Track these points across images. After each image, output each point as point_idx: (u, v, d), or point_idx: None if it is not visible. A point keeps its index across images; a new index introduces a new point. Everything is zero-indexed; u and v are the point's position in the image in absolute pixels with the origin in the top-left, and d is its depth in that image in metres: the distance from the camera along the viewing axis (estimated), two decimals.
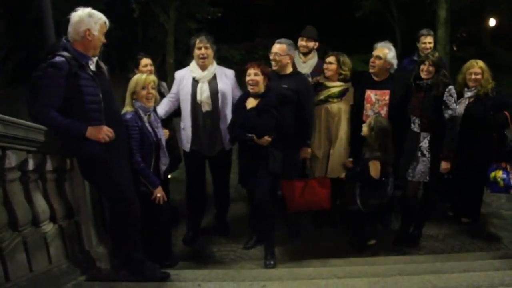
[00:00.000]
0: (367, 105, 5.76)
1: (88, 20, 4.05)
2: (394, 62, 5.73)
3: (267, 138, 5.10)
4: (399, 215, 6.02)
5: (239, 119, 5.31)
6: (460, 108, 5.63)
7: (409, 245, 5.75)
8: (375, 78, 5.79)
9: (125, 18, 17.13)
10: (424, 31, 7.03)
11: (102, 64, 4.32)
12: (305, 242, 5.84)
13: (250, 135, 5.12)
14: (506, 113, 5.71)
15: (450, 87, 5.37)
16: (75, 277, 4.24)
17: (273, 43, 5.74)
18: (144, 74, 4.86)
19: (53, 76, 3.90)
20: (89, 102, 4.02)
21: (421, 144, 5.43)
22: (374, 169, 5.22)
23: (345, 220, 5.86)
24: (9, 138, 3.62)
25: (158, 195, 4.69)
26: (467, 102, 5.84)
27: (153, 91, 4.74)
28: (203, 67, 5.53)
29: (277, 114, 5.22)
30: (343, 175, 5.67)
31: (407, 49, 8.46)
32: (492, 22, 26.23)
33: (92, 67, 4.14)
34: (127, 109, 4.67)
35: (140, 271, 4.38)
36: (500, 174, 5.58)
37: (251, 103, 5.29)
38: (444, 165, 5.37)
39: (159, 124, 4.94)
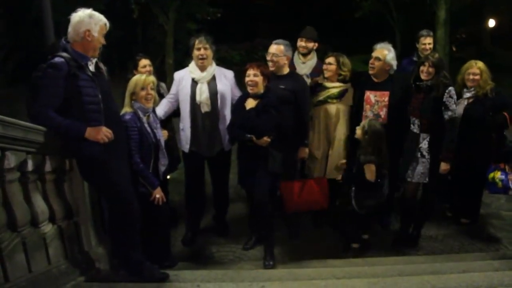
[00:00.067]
0: (367, 106, 5.75)
1: (88, 21, 4.05)
2: (394, 63, 5.72)
3: (266, 139, 5.10)
4: (399, 215, 6.02)
5: (238, 119, 5.31)
6: (459, 108, 5.62)
7: (408, 246, 5.75)
8: (375, 79, 5.78)
9: (125, 18, 17.16)
10: (423, 32, 7.02)
11: (101, 65, 4.31)
12: (305, 242, 5.83)
13: (249, 135, 5.12)
14: (505, 113, 5.71)
15: (450, 88, 5.37)
16: (74, 277, 4.24)
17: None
18: (143, 75, 4.86)
19: (52, 76, 3.90)
20: (88, 103, 4.02)
21: (420, 145, 5.43)
22: (369, 172, 5.21)
23: (337, 220, 5.84)
24: (8, 139, 3.62)
25: (157, 195, 4.69)
26: (466, 103, 5.83)
27: (152, 92, 4.74)
28: (202, 68, 5.54)
29: (276, 114, 5.22)
30: (339, 177, 5.67)
31: (406, 50, 8.45)
32: (491, 22, 26.24)
33: (92, 68, 4.13)
34: (126, 110, 4.67)
35: (139, 272, 4.38)
36: (498, 175, 5.58)
37: (250, 103, 5.29)
38: (444, 166, 5.37)
39: (158, 125, 4.94)
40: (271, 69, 5.57)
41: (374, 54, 5.73)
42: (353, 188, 5.40)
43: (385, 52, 5.66)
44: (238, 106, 5.43)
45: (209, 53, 5.52)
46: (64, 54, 3.97)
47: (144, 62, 5.80)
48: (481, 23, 26.31)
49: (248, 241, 5.80)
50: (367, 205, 5.35)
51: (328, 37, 12.74)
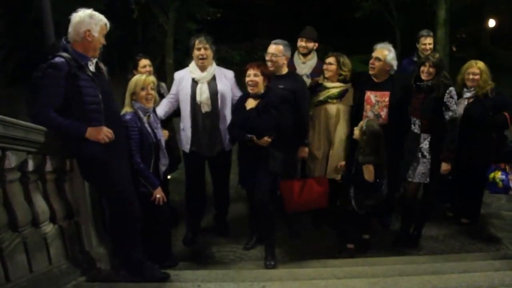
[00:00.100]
0: (367, 107, 5.74)
1: (89, 21, 4.05)
2: (394, 63, 5.71)
3: (266, 139, 5.10)
4: (399, 215, 6.02)
5: (238, 119, 5.31)
6: (459, 108, 5.61)
7: (409, 246, 5.75)
8: (375, 80, 5.78)
9: (125, 18, 17.15)
10: (424, 32, 7.01)
11: (101, 65, 4.31)
12: (305, 242, 5.84)
13: (249, 135, 5.12)
14: (505, 113, 5.71)
15: (451, 88, 5.37)
16: (75, 277, 4.24)
17: None
18: (144, 75, 4.86)
19: (52, 76, 3.90)
20: (88, 103, 4.02)
21: (421, 145, 5.43)
22: (368, 172, 5.20)
23: (337, 220, 5.83)
24: (9, 139, 3.62)
25: (158, 195, 4.69)
26: (466, 103, 5.84)
27: (153, 92, 4.74)
28: (202, 68, 5.54)
29: (276, 114, 5.22)
30: (338, 177, 5.66)
31: (406, 50, 8.45)
32: (491, 22, 26.24)
33: (92, 68, 4.13)
34: (127, 110, 4.68)
35: (140, 272, 4.37)
36: (499, 175, 5.58)
37: (250, 103, 5.29)
38: (445, 167, 5.37)
39: (159, 125, 4.94)
40: (270, 69, 5.57)
41: (374, 54, 5.72)
42: (353, 188, 5.40)
43: (385, 52, 5.66)
44: (238, 106, 5.43)
45: (209, 53, 5.52)
46: (65, 54, 3.97)
47: (144, 62, 5.80)
48: (481, 23, 26.32)
49: (249, 241, 5.81)
50: (367, 205, 5.34)
51: (328, 37, 12.75)
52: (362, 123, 5.31)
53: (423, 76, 5.36)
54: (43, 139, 3.95)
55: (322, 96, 5.80)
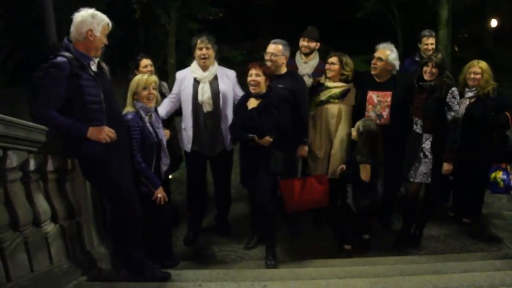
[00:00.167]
0: (369, 106, 5.75)
1: (91, 21, 4.05)
2: (396, 63, 5.72)
3: (268, 139, 5.10)
4: (400, 215, 6.02)
5: (240, 119, 5.32)
6: (460, 108, 5.61)
7: (410, 246, 5.75)
8: (377, 80, 5.78)
9: (127, 18, 17.14)
10: (426, 32, 7.01)
11: (103, 65, 4.32)
12: (306, 242, 5.84)
13: (251, 135, 5.12)
14: (507, 113, 5.70)
15: (453, 88, 5.37)
16: (76, 277, 4.25)
17: None
18: (146, 75, 4.86)
19: (54, 76, 3.90)
20: (90, 103, 4.02)
21: (423, 145, 5.43)
22: (365, 172, 5.20)
23: (337, 220, 5.82)
24: (10, 138, 3.62)
25: (159, 195, 4.70)
26: (467, 103, 5.84)
27: (155, 92, 4.75)
28: (204, 68, 5.54)
29: (278, 114, 5.22)
30: (337, 174, 5.66)
31: (408, 50, 8.45)
32: (493, 22, 26.20)
33: (94, 67, 4.14)
34: (128, 109, 4.68)
35: (141, 271, 4.38)
36: (500, 175, 5.57)
37: (252, 103, 5.29)
38: (446, 167, 5.36)
39: (160, 125, 4.95)
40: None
41: (376, 54, 5.73)
42: (350, 187, 5.40)
43: (387, 52, 5.66)
44: (240, 105, 5.43)
45: (211, 52, 5.52)
46: (67, 54, 3.97)
47: (146, 62, 5.80)
48: (483, 23, 26.29)
49: (250, 241, 5.81)
50: (363, 204, 5.35)
51: (329, 37, 12.72)
52: (359, 123, 5.31)
53: (426, 76, 5.36)
54: (44, 138, 3.96)
55: (324, 96, 5.80)
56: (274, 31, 8.87)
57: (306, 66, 6.18)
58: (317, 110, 5.85)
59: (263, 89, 5.25)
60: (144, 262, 4.42)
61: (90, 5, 4.20)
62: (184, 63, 10.53)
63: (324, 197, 5.48)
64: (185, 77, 5.65)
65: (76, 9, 4.10)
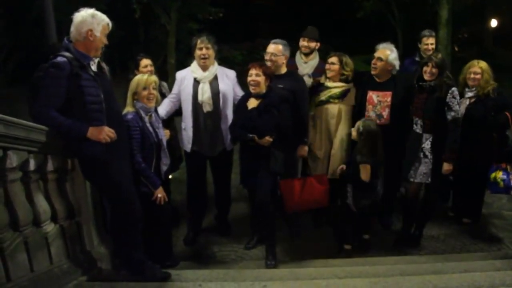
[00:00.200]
0: (369, 106, 5.75)
1: (91, 21, 4.05)
2: (396, 63, 5.72)
3: (268, 139, 5.10)
4: (400, 215, 6.02)
5: (240, 119, 5.32)
6: (460, 108, 5.61)
7: (410, 246, 5.75)
8: (377, 80, 5.78)
9: (127, 18, 17.15)
10: (426, 32, 7.01)
11: (103, 65, 4.32)
12: (306, 242, 5.84)
13: (251, 135, 5.12)
14: (507, 113, 5.70)
15: (453, 88, 5.36)
16: (76, 277, 4.25)
17: None
18: (146, 75, 4.86)
19: (54, 76, 3.90)
20: (90, 103, 4.02)
21: (423, 145, 5.43)
22: (365, 172, 5.20)
23: (337, 220, 5.82)
24: (10, 138, 3.62)
25: (159, 195, 4.70)
26: (467, 103, 5.84)
27: (155, 92, 4.75)
28: (204, 68, 5.54)
29: (278, 114, 5.22)
30: (337, 174, 5.66)
31: (408, 50, 8.45)
32: (493, 22, 26.20)
33: (94, 67, 4.14)
34: (128, 109, 4.68)
35: (141, 271, 4.38)
36: (500, 174, 5.57)
37: (252, 103, 5.29)
38: (446, 167, 5.36)
39: (160, 125, 4.95)
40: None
41: (376, 54, 5.74)
42: (350, 187, 5.40)
43: (387, 52, 5.66)
44: (240, 105, 5.44)
45: (211, 52, 5.52)
46: (67, 54, 3.97)
47: (145, 62, 5.80)
48: (483, 23, 26.29)
49: (250, 241, 5.81)
50: (363, 204, 5.35)
51: (329, 37, 12.72)
52: (359, 123, 5.31)
53: (426, 76, 5.36)
54: (44, 138, 3.96)
55: (324, 96, 5.80)
56: (274, 31, 8.87)
57: (306, 66, 6.18)
58: (317, 110, 5.85)
59: (263, 89, 5.25)
60: (144, 262, 4.42)
61: (90, 5, 4.20)
62: (184, 63, 10.54)
63: (324, 197, 5.48)
64: (185, 77, 5.65)
65: (76, 9, 4.10)
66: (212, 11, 18.66)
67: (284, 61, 5.69)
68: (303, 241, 5.85)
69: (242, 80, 5.61)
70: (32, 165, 3.98)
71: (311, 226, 6.22)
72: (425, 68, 5.36)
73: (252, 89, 5.25)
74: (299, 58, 6.24)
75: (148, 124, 4.71)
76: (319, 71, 6.06)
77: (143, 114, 4.68)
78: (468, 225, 6.22)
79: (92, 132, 4.00)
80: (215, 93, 5.52)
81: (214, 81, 5.56)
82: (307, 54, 6.19)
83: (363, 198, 5.34)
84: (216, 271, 4.81)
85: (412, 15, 21.40)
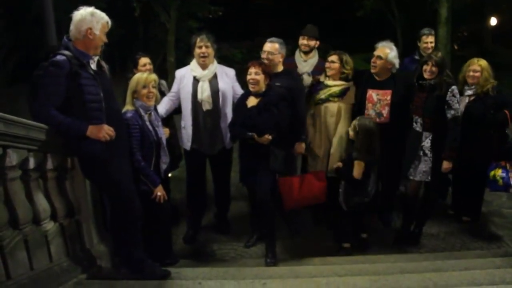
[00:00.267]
0: (369, 105, 5.74)
1: (90, 19, 4.05)
2: (396, 61, 5.72)
3: (267, 137, 5.10)
4: (400, 213, 6.03)
5: (239, 117, 5.32)
6: (460, 106, 5.61)
7: (410, 244, 5.75)
8: (377, 78, 5.77)
9: (126, 16, 17.15)
10: (425, 31, 7.01)
11: (103, 63, 4.31)
12: (306, 240, 5.84)
13: (250, 133, 5.12)
14: (506, 111, 5.71)
15: (453, 87, 5.36)
16: (76, 275, 4.24)
17: None
18: (145, 73, 4.86)
19: (54, 75, 3.90)
20: (90, 101, 4.02)
21: (423, 143, 5.43)
22: (358, 169, 5.20)
23: (336, 219, 5.81)
24: (10, 136, 3.62)
25: (159, 193, 4.70)
26: (467, 101, 5.84)
27: (154, 90, 4.74)
28: (203, 66, 5.54)
29: (277, 113, 5.22)
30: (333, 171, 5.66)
31: (408, 48, 8.45)
32: (493, 21, 26.20)
33: (93, 66, 4.14)
34: (128, 108, 4.68)
35: (141, 270, 4.38)
36: (499, 172, 5.58)
37: (251, 102, 5.29)
38: (446, 165, 5.36)
39: (160, 123, 4.95)
40: None
41: (376, 53, 5.73)
42: (343, 183, 5.40)
43: (387, 51, 5.66)
44: (239, 104, 5.44)
45: (211, 51, 5.51)
46: (66, 52, 3.97)
47: (144, 60, 5.79)
48: (482, 22, 26.29)
49: (250, 239, 5.82)
50: (353, 202, 5.35)
51: (329, 36, 12.73)
52: (355, 122, 5.33)
53: (426, 75, 5.36)
54: (44, 137, 3.96)
55: (324, 94, 5.79)
56: (274, 30, 8.88)
57: (305, 64, 6.17)
58: (317, 108, 5.84)
59: (262, 87, 5.25)
60: (143, 260, 4.43)
61: (89, 4, 4.20)
62: (183, 62, 10.52)
63: (323, 193, 5.47)
64: (184, 75, 5.64)
65: (76, 7, 4.09)
66: (212, 9, 18.65)
67: (281, 60, 5.69)
68: (302, 239, 5.85)
69: (242, 78, 5.60)
70: (31, 163, 3.98)
71: (311, 224, 6.22)
72: (425, 67, 5.36)
73: (251, 87, 5.25)
74: (298, 57, 6.23)
75: (147, 123, 4.71)
76: (319, 69, 6.05)
77: (142, 113, 4.68)
78: (467, 223, 6.23)
79: (91, 131, 4.00)
80: (215, 91, 5.52)
81: (213, 80, 5.56)
82: (306, 53, 6.18)
83: (354, 195, 5.34)
84: (215, 269, 4.81)
85: (411, 13, 21.43)
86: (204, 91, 5.48)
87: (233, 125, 5.41)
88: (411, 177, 5.55)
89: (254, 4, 26.92)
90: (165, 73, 14.49)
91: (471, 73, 5.79)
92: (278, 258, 5.27)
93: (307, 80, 6.02)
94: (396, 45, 5.88)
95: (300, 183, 5.42)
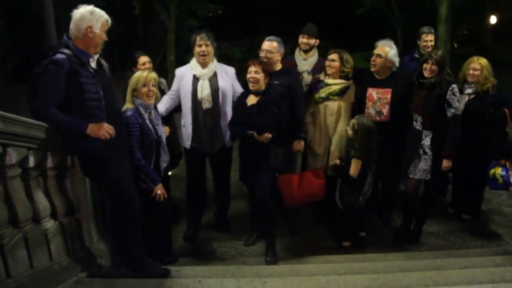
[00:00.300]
0: (369, 103, 5.74)
1: (90, 18, 4.04)
2: (396, 60, 5.71)
3: (267, 135, 5.10)
4: (400, 212, 6.03)
5: (239, 116, 5.32)
6: (460, 105, 5.61)
7: (410, 242, 5.76)
8: (377, 77, 5.77)
9: (126, 15, 17.17)
10: (425, 29, 7.00)
11: (103, 62, 4.31)
12: (306, 238, 5.83)
13: (250, 132, 5.13)
14: (505, 110, 5.71)
15: (453, 86, 5.35)
16: (76, 273, 4.24)
17: None
18: (145, 72, 4.86)
19: (53, 73, 3.89)
20: (89, 100, 4.01)
21: (423, 142, 5.43)
22: (354, 167, 5.20)
23: (336, 219, 5.81)
24: (9, 135, 3.61)
25: (159, 192, 4.70)
26: (467, 99, 5.84)
27: (154, 89, 4.74)
28: (203, 65, 5.53)
29: (277, 111, 5.22)
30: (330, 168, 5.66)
31: (408, 46, 8.44)
32: (493, 19, 26.21)
33: (93, 64, 4.13)
34: (128, 106, 4.68)
35: (141, 268, 4.38)
36: (499, 171, 5.59)
37: (251, 100, 5.29)
38: (446, 164, 5.36)
39: (160, 122, 4.94)
40: None
41: (375, 51, 5.72)
42: (339, 182, 5.40)
43: (386, 49, 5.65)
44: (239, 102, 5.44)
45: (210, 49, 5.51)
46: (66, 51, 3.97)
47: (143, 59, 5.78)
48: (482, 20, 26.30)
49: (250, 237, 5.82)
50: (348, 201, 5.35)
51: (329, 34, 12.74)
52: (353, 121, 5.31)
53: (426, 74, 5.35)
54: (44, 135, 3.95)
55: (324, 93, 5.79)
56: (274, 28, 8.91)
57: (305, 63, 6.17)
58: (317, 107, 5.84)
59: (262, 86, 5.26)
60: (143, 258, 4.43)
61: (89, 2, 4.19)
62: (183, 60, 10.54)
63: (321, 190, 5.46)
64: (184, 74, 5.64)
65: (76, 5, 4.09)
66: (212, 7, 18.69)
67: (279, 58, 5.69)
68: (302, 238, 5.84)
69: (241, 77, 5.60)
70: (31, 161, 3.97)
71: (311, 223, 6.21)
72: (425, 65, 5.36)
73: (251, 86, 5.25)
74: (298, 55, 6.23)
75: (147, 121, 4.70)
76: (318, 68, 6.05)
77: (142, 111, 4.67)
78: (467, 222, 6.23)
79: (91, 129, 4.00)
80: (215, 90, 5.52)
81: (213, 78, 5.56)
82: (306, 51, 6.18)
83: (349, 193, 5.34)
84: (215, 268, 4.81)
85: (411, 11, 21.42)
86: (204, 90, 5.48)
87: (233, 123, 5.41)
88: (411, 176, 5.55)
89: (254, 2, 26.94)
90: (165, 72, 14.51)
91: (471, 72, 5.78)
92: (278, 257, 5.28)
93: (307, 78, 6.02)
94: (396, 44, 5.87)
95: (300, 181, 5.41)
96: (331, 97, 5.78)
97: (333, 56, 5.78)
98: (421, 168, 5.46)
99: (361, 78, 5.86)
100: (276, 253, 5.28)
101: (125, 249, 4.45)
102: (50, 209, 4.16)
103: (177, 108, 5.80)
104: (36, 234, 3.94)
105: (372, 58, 5.73)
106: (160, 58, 17.18)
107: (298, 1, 25.65)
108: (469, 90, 5.85)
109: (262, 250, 5.44)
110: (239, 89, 5.67)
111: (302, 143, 5.78)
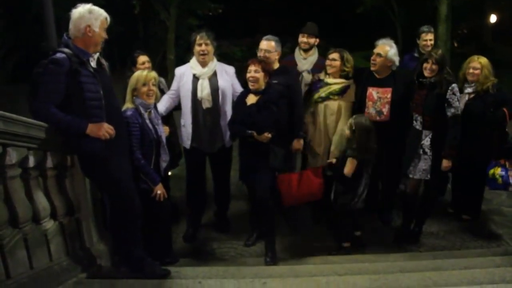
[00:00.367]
0: (369, 103, 5.73)
1: (89, 17, 4.04)
2: (396, 59, 5.70)
3: (267, 135, 5.10)
4: (400, 212, 6.02)
5: (239, 115, 5.31)
6: (460, 104, 5.60)
7: (409, 242, 5.75)
8: (377, 76, 5.76)
9: (126, 14, 17.17)
10: (424, 28, 6.99)
11: (103, 61, 4.31)
12: (306, 239, 5.83)
13: (250, 131, 5.12)
14: (505, 109, 5.70)
15: (454, 85, 5.34)
16: (76, 274, 4.24)
17: None
18: (145, 71, 4.85)
19: (53, 72, 3.89)
20: (89, 99, 4.01)
21: (423, 142, 5.42)
22: (349, 166, 5.19)
23: (336, 219, 5.80)
24: (9, 135, 3.61)
25: (159, 192, 4.69)
26: (466, 98, 5.83)
27: (154, 88, 4.73)
28: (203, 64, 5.53)
29: (277, 110, 5.21)
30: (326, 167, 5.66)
31: (408, 46, 8.43)
32: (493, 18, 26.21)
33: (93, 63, 4.13)
34: (128, 105, 4.67)
35: (141, 268, 4.38)
36: (498, 171, 5.60)
37: (251, 99, 5.29)
38: (446, 163, 5.35)
39: (160, 121, 4.94)
40: None
41: (375, 50, 5.72)
42: (335, 181, 5.40)
43: (386, 48, 5.65)
44: (239, 102, 5.43)
45: (210, 49, 5.50)
46: (66, 50, 3.96)
47: (143, 58, 5.78)
48: (482, 19, 26.30)
49: (250, 238, 5.81)
50: (342, 201, 5.33)
51: (329, 33, 12.73)
52: (351, 121, 5.30)
53: (426, 73, 5.34)
54: (44, 135, 3.95)
55: (324, 92, 5.78)
56: (274, 27, 8.89)
57: (305, 62, 6.16)
58: (317, 106, 5.83)
59: (262, 85, 5.25)
60: (143, 259, 4.43)
61: (88, 1, 4.18)
62: (183, 59, 10.55)
63: (320, 190, 5.46)
64: (184, 73, 5.63)
65: (75, 5, 4.09)
66: (212, 7, 18.69)
67: (277, 57, 5.68)
68: (302, 238, 5.84)
69: (241, 76, 5.59)
70: (31, 161, 3.97)
71: (310, 223, 6.21)
72: (425, 65, 5.35)
73: (251, 85, 5.25)
74: (298, 54, 6.22)
75: (147, 121, 4.70)
76: (318, 67, 6.04)
77: (142, 111, 4.67)
78: (467, 222, 6.22)
79: (91, 129, 4.00)
80: (214, 89, 5.51)
81: (213, 77, 5.55)
82: (306, 50, 6.17)
83: (344, 193, 5.33)
84: (215, 268, 4.81)
85: (411, 10, 21.42)
86: (204, 89, 5.47)
87: (233, 123, 5.40)
88: (411, 175, 5.54)
89: (254, 2, 26.93)
90: (165, 71, 14.51)
91: (471, 71, 5.78)
92: (278, 257, 5.27)
93: (307, 78, 6.01)
94: (396, 43, 5.87)
95: (299, 180, 5.41)
96: (331, 96, 5.77)
97: (334, 55, 5.77)
98: (421, 168, 5.46)
99: (361, 78, 5.85)
100: (276, 254, 5.27)
101: (125, 249, 4.45)
102: (50, 209, 4.16)
103: (176, 107, 5.79)
104: (36, 234, 3.94)
105: (372, 57, 5.73)
106: (160, 58, 17.17)
107: (298, 0, 25.66)
108: (469, 89, 5.84)
109: (262, 250, 5.43)
110: (239, 89, 5.66)
111: (301, 142, 5.78)
